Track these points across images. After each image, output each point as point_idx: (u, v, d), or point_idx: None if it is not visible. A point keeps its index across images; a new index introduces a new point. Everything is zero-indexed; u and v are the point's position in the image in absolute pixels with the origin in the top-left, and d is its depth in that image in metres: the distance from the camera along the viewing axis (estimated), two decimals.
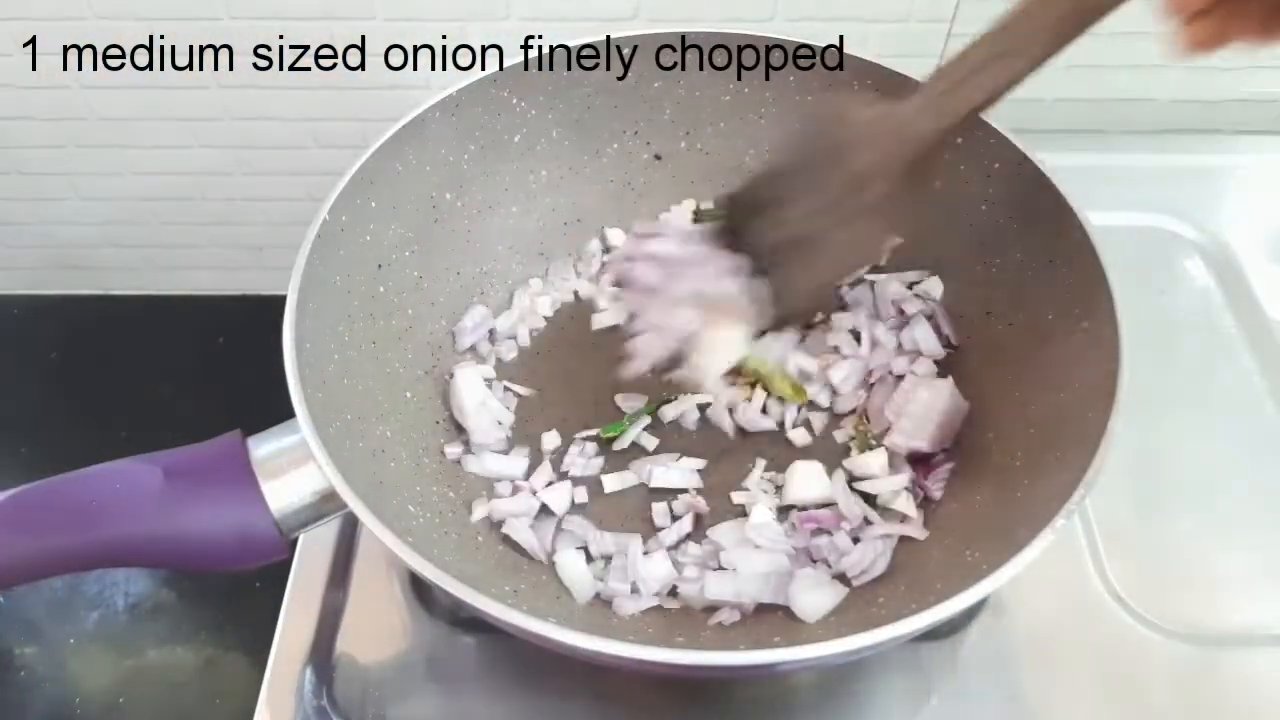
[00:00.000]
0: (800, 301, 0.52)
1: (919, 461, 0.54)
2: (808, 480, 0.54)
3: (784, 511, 0.54)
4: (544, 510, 0.54)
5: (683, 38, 0.60)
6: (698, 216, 0.65)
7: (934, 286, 0.61)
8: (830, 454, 0.57)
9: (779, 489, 0.55)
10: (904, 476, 0.54)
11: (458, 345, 0.60)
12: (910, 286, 0.61)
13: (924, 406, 0.54)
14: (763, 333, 0.53)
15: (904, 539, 0.52)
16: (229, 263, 1.03)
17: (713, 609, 0.50)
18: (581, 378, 0.60)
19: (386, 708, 0.51)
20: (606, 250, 0.66)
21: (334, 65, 0.81)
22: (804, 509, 0.53)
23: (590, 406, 0.59)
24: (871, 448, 0.55)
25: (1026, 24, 0.42)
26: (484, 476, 0.56)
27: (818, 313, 0.60)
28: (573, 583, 0.51)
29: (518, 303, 0.63)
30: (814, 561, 0.51)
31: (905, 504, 0.53)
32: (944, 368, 0.58)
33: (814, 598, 0.48)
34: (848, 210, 0.48)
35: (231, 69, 0.82)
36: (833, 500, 0.53)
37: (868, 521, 0.53)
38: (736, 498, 0.55)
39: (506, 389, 0.59)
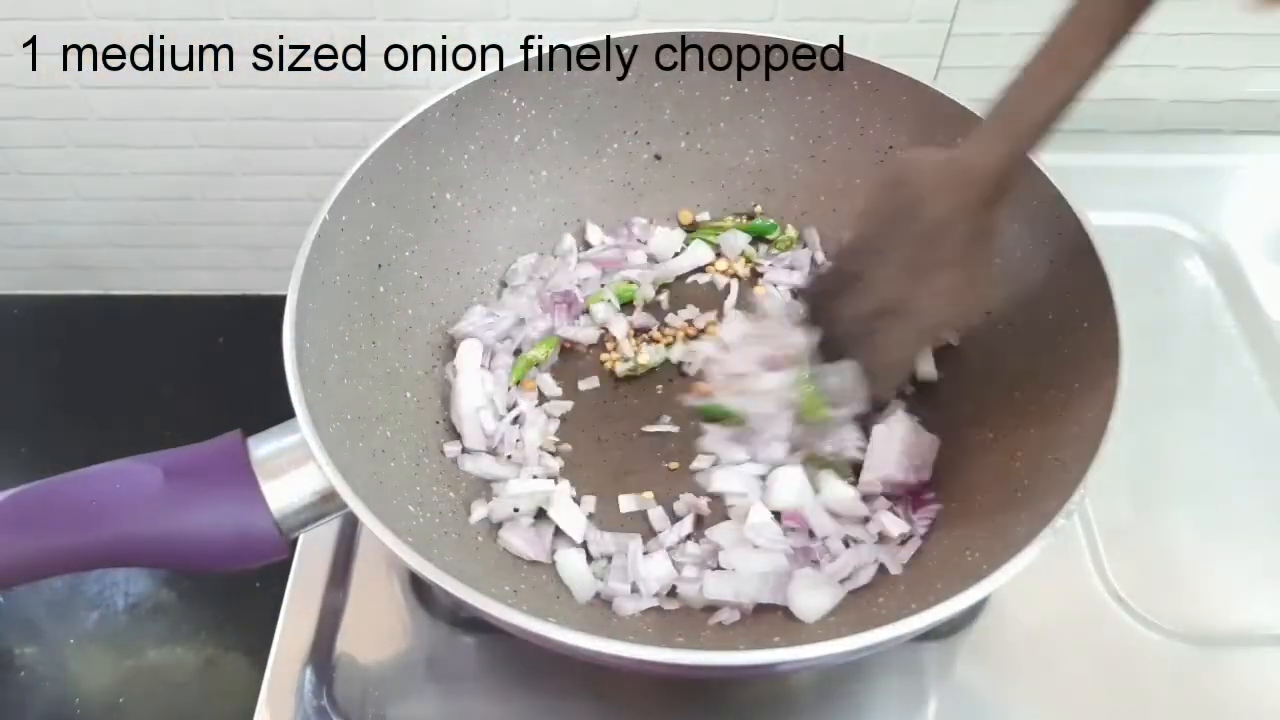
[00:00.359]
0: (897, 372, 0.51)
1: (909, 493, 0.54)
2: (787, 488, 0.53)
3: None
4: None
5: (683, 38, 0.60)
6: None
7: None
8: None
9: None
10: (867, 507, 0.53)
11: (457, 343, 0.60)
12: None
13: (883, 443, 0.53)
14: (863, 415, 0.52)
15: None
16: (229, 263, 1.03)
17: (712, 609, 0.50)
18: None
19: (386, 708, 0.51)
20: (586, 247, 0.66)
21: (334, 65, 0.81)
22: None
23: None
24: (846, 478, 0.54)
25: (1073, 33, 0.40)
26: (481, 477, 0.56)
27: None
28: (573, 582, 0.51)
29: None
30: (814, 562, 0.51)
31: (892, 525, 0.52)
32: (944, 367, 0.58)
33: (813, 598, 0.48)
34: (929, 266, 0.47)
35: (231, 69, 0.82)
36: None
37: (852, 538, 0.52)
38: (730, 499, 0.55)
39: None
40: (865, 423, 0.54)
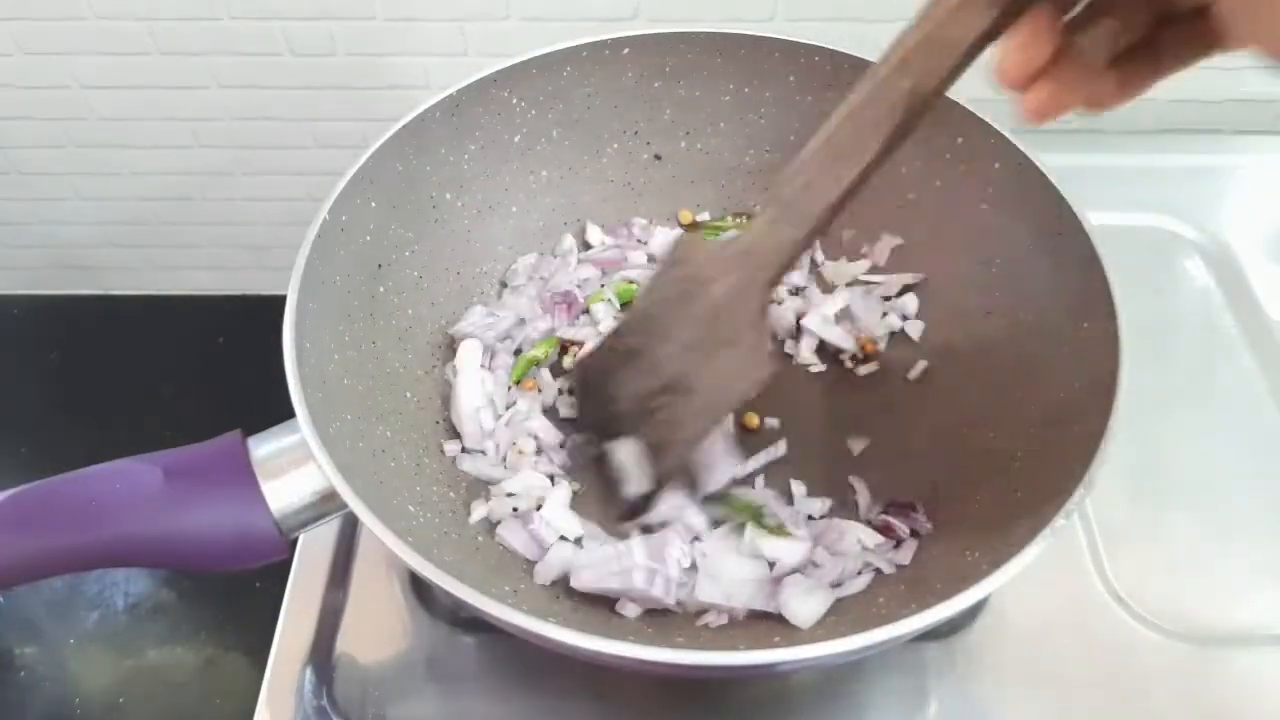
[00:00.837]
0: (683, 448, 0.50)
1: (903, 507, 0.53)
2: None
3: None
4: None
5: (683, 38, 0.60)
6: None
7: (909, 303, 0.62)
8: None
9: None
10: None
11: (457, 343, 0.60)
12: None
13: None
14: (645, 498, 0.51)
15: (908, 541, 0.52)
16: (229, 263, 1.03)
17: (703, 611, 0.50)
18: None
19: (386, 708, 0.51)
20: (586, 247, 0.66)
21: (334, 65, 0.81)
22: None
23: None
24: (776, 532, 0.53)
25: (856, 126, 0.40)
26: (479, 478, 0.56)
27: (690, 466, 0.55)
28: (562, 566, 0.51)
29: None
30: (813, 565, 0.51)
31: (868, 536, 0.51)
32: (944, 367, 0.58)
33: (806, 605, 0.48)
34: (711, 345, 0.47)
35: (231, 69, 0.82)
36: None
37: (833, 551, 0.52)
38: None
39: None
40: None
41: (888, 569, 0.50)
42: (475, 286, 0.63)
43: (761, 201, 0.45)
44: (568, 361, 0.61)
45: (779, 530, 0.52)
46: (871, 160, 0.41)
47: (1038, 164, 0.52)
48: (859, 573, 0.50)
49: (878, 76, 0.39)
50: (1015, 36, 0.34)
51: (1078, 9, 0.34)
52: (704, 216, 0.67)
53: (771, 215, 0.44)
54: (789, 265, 0.45)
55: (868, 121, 0.40)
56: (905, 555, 0.51)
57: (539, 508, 0.53)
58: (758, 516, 0.52)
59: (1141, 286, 0.69)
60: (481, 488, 0.55)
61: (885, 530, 0.52)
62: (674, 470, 0.52)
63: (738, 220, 0.67)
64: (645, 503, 0.52)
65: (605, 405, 0.53)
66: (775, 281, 0.46)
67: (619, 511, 0.53)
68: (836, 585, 0.50)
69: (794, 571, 0.50)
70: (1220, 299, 0.69)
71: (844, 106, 0.41)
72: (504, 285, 0.64)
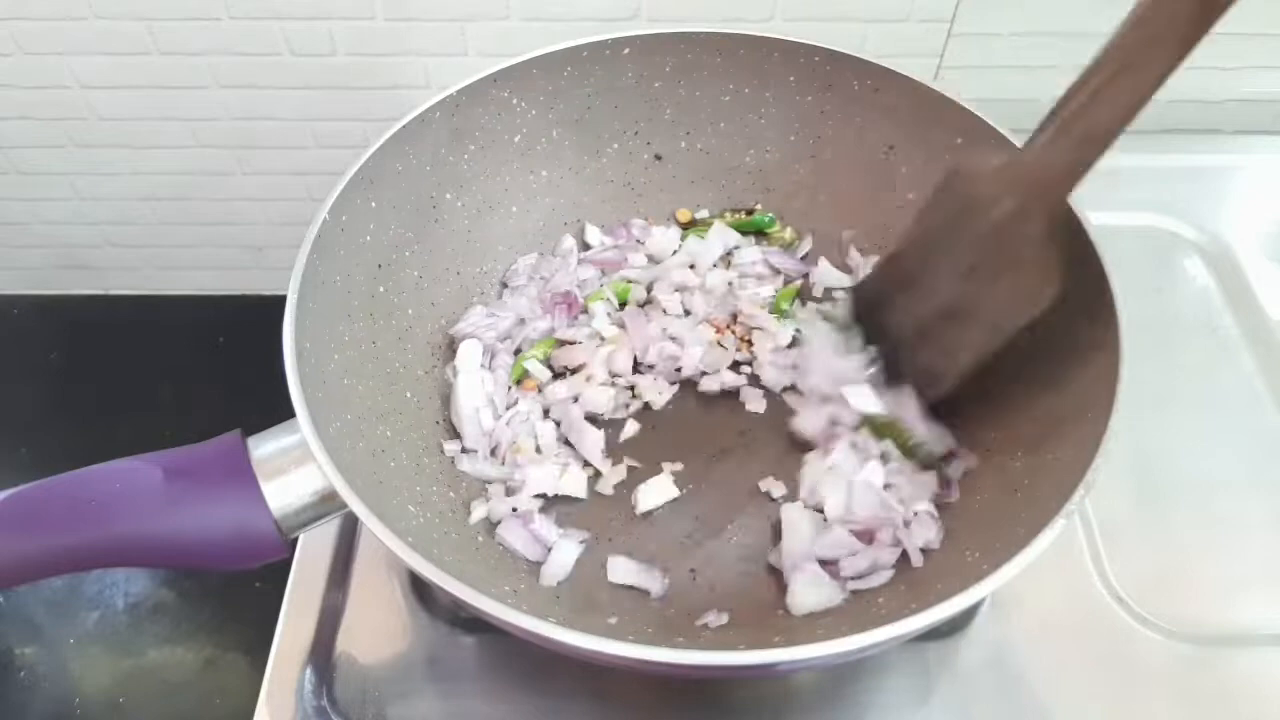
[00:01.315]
0: (959, 375, 0.50)
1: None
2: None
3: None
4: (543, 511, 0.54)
5: (683, 38, 0.60)
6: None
7: None
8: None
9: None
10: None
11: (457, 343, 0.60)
12: None
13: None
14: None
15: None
16: (229, 263, 1.03)
17: (700, 611, 0.50)
18: None
19: (386, 708, 0.51)
20: (586, 247, 0.66)
21: (334, 65, 0.81)
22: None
23: None
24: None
25: (1147, 31, 0.38)
26: (477, 478, 0.56)
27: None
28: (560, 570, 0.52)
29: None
30: (828, 563, 0.51)
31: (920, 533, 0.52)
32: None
33: (809, 594, 0.49)
34: (991, 269, 0.46)
35: (231, 69, 0.82)
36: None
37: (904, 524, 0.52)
38: (763, 485, 0.55)
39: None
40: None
41: (916, 560, 0.50)
42: (475, 286, 0.63)
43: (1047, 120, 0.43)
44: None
45: (915, 450, 0.53)
46: (1165, 70, 0.38)
47: None
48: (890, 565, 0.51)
49: None
50: None
51: None
52: (703, 214, 0.67)
53: (1052, 134, 0.43)
54: (1073, 185, 0.44)
55: (1162, 24, 0.37)
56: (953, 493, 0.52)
57: (541, 510, 0.54)
58: (900, 436, 0.53)
59: (1141, 286, 0.69)
60: (481, 488, 0.55)
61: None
62: (945, 396, 0.52)
63: (736, 215, 0.67)
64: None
65: (882, 330, 0.52)
66: (1056, 205, 0.44)
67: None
68: (856, 579, 0.50)
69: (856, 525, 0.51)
70: (1220, 299, 0.69)
71: (1131, 13, 0.38)
72: (504, 285, 0.64)
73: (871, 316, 0.55)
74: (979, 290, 0.48)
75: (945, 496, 0.52)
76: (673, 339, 0.61)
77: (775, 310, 0.62)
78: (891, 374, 0.54)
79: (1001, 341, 0.49)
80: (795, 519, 0.52)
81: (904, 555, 0.51)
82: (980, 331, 0.49)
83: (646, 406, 0.59)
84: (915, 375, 0.53)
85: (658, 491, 0.55)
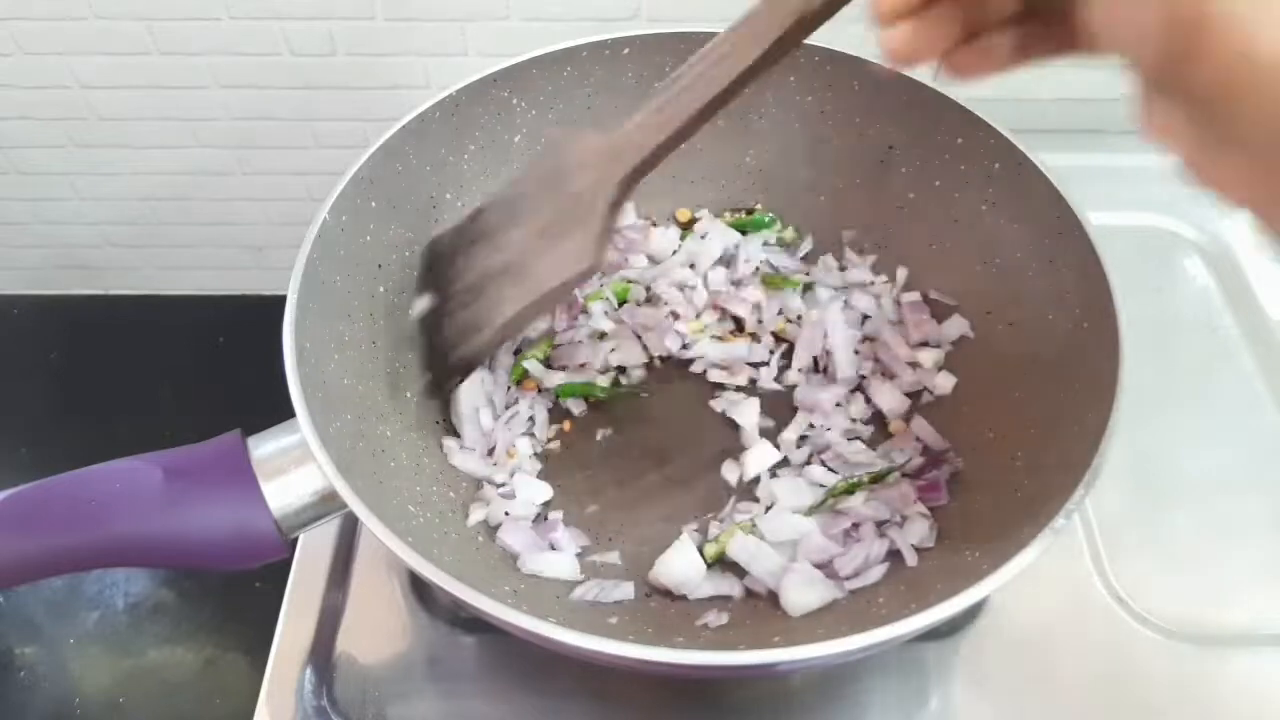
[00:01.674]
0: (497, 329, 0.51)
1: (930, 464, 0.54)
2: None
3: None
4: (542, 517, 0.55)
5: (683, 38, 0.60)
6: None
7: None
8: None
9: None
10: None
11: None
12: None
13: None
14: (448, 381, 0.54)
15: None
16: (229, 263, 1.03)
17: (701, 609, 0.50)
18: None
19: (386, 708, 0.51)
20: None
21: (334, 65, 0.81)
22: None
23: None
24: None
25: (744, 29, 0.42)
26: (472, 476, 0.56)
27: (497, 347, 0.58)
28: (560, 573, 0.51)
29: None
30: (823, 565, 0.51)
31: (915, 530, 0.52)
32: (945, 366, 0.58)
33: (803, 594, 0.49)
34: (561, 231, 0.49)
35: (231, 69, 0.82)
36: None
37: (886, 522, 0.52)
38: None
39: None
40: None
41: (910, 558, 0.50)
42: None
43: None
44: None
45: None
46: (745, 70, 0.42)
47: (1038, 164, 0.52)
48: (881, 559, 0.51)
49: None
50: None
51: None
52: (702, 214, 0.67)
53: (642, 116, 0.46)
54: (650, 165, 0.47)
55: (749, 35, 0.42)
56: (942, 496, 0.52)
57: (544, 516, 0.54)
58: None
59: (1141, 286, 0.69)
60: (477, 487, 0.55)
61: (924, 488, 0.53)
62: (481, 355, 0.53)
63: (736, 215, 0.67)
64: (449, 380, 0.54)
65: (447, 278, 0.54)
66: (632, 180, 0.47)
67: (431, 379, 0.55)
68: (851, 578, 0.50)
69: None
70: (1220, 299, 0.69)
71: (733, 24, 0.42)
72: None
73: (435, 267, 0.56)
74: (541, 250, 0.50)
75: (935, 500, 0.52)
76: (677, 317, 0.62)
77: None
78: (432, 326, 0.54)
79: (537, 300, 0.50)
80: (751, 550, 0.51)
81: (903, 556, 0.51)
82: (523, 288, 0.50)
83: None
84: (457, 329, 0.53)
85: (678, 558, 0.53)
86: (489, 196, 0.54)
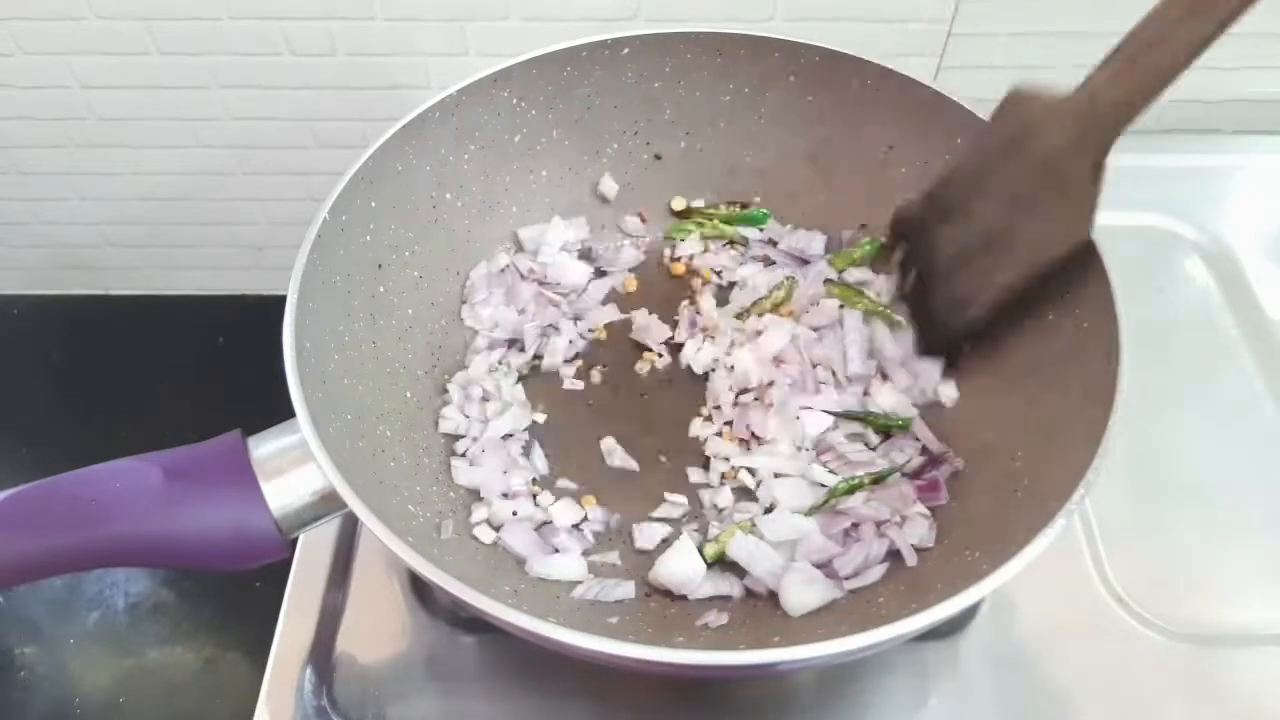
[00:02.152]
0: (985, 305, 0.51)
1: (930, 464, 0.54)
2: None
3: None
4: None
5: (683, 38, 0.60)
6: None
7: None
8: None
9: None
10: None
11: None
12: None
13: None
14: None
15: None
16: (229, 263, 1.03)
17: (700, 610, 0.50)
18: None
19: (386, 708, 0.51)
20: (582, 245, 0.66)
21: (334, 65, 0.81)
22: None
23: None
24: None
25: None
26: (470, 488, 0.55)
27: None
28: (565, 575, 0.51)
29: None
30: (822, 565, 0.51)
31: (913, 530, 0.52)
32: (945, 366, 0.58)
33: (802, 594, 0.49)
34: (1034, 199, 0.46)
35: (231, 69, 0.82)
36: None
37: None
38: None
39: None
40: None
41: (910, 558, 0.50)
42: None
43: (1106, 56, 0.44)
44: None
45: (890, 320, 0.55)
46: (1229, 13, 0.38)
47: None
48: (882, 559, 0.51)
49: None
50: None
51: None
52: (698, 204, 0.67)
53: (1113, 70, 0.43)
54: (1129, 122, 0.44)
55: None
56: (942, 496, 0.52)
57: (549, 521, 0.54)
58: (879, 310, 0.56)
59: (1141, 286, 0.69)
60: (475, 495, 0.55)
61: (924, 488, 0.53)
62: (974, 329, 0.52)
63: (730, 208, 0.67)
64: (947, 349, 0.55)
65: (926, 246, 0.53)
66: (1113, 138, 0.44)
67: (930, 343, 0.55)
68: (851, 577, 0.50)
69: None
70: (1220, 299, 0.69)
71: None
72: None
73: (909, 236, 0.56)
74: (1017, 220, 0.48)
75: (934, 500, 0.52)
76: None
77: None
78: (919, 302, 0.54)
79: (1027, 278, 0.49)
80: (751, 550, 0.51)
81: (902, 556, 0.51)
82: (1010, 264, 0.49)
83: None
84: (944, 303, 0.53)
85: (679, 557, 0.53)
86: (948, 166, 0.52)
